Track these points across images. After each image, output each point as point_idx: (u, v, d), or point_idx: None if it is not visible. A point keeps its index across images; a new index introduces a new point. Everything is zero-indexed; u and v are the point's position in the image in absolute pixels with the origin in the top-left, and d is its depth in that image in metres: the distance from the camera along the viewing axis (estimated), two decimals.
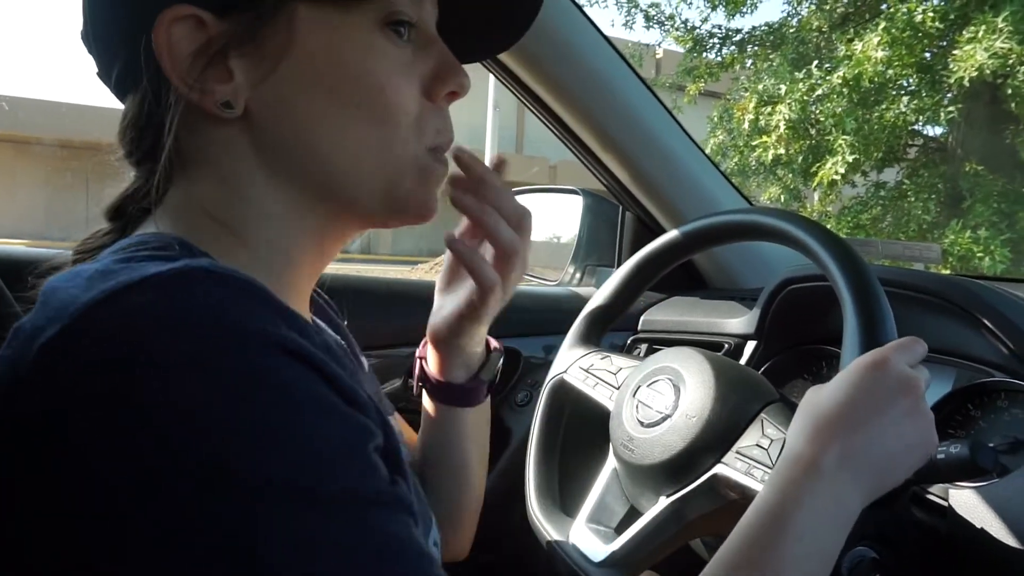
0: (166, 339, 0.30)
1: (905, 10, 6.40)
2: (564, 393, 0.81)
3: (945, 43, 6.70)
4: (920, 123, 7.40)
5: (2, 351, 0.33)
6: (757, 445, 0.59)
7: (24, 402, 0.30)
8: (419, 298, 0.74)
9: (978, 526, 0.57)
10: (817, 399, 0.51)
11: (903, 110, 6.90)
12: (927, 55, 6.77)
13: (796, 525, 0.44)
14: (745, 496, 0.59)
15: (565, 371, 0.81)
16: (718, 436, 0.62)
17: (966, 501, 0.59)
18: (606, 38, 1.00)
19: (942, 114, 6.82)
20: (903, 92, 7.10)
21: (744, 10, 8.05)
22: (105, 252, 0.39)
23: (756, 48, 8.46)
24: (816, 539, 0.45)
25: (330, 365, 0.33)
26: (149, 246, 0.38)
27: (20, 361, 0.31)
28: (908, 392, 0.49)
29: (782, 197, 8.05)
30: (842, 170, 6.79)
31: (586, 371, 0.79)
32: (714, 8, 8.13)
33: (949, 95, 6.84)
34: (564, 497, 0.78)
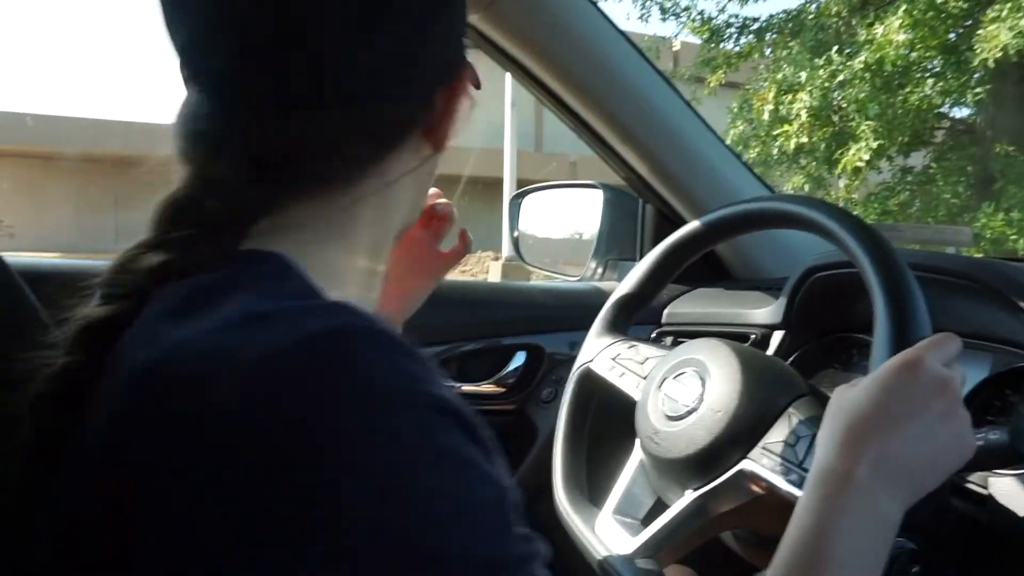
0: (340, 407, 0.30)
1: None
2: (591, 382, 0.80)
3: (970, 23, 6.56)
4: (947, 105, 7.26)
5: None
6: (784, 442, 0.58)
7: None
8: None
9: (1020, 514, 0.56)
10: (847, 404, 0.49)
11: (928, 93, 6.77)
12: (951, 36, 6.63)
13: (837, 550, 0.43)
14: (772, 492, 0.58)
15: (592, 360, 0.80)
16: (744, 431, 0.61)
17: (1007, 489, 0.57)
18: (621, 32, 1.00)
19: (969, 95, 6.68)
20: (928, 74, 6.96)
21: None
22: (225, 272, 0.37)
23: (775, 36, 8.35)
24: (859, 558, 0.44)
25: (475, 419, 0.34)
26: (287, 282, 0.37)
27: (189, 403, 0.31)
28: (943, 393, 0.47)
29: (806, 186, 7.94)
30: (866, 156, 6.68)
31: (613, 360, 0.78)
32: None
33: (976, 76, 6.69)
34: (592, 486, 0.78)
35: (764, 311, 0.94)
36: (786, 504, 0.57)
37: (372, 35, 0.39)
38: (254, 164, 0.38)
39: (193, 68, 0.40)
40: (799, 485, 0.55)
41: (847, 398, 0.49)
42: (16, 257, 0.77)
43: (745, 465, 0.60)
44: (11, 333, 0.56)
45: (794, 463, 0.56)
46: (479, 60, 0.65)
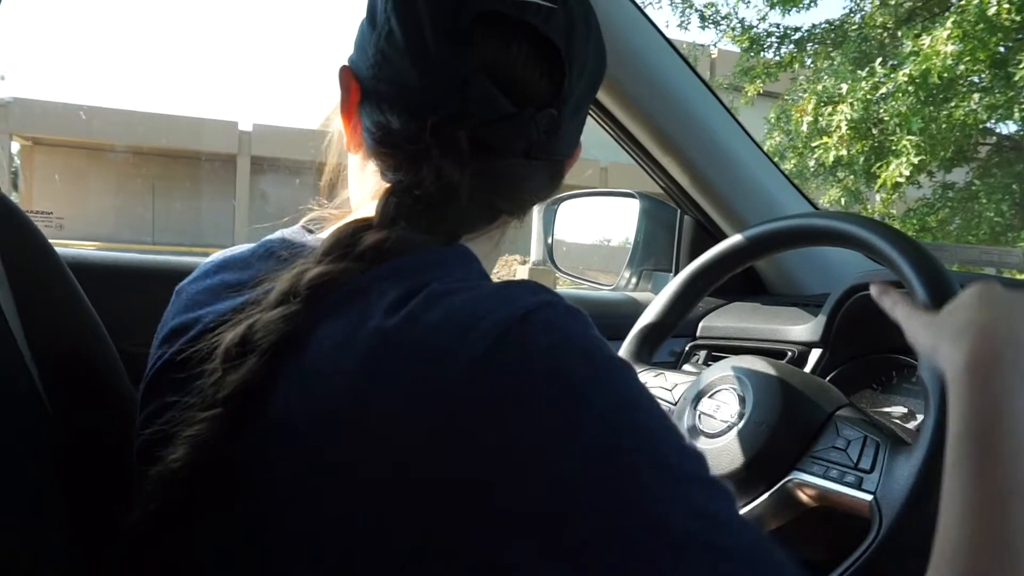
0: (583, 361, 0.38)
1: (978, 2, 6.11)
2: None
3: (1021, 36, 6.38)
4: (992, 121, 7.07)
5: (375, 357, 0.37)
6: (834, 447, 0.57)
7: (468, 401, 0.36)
8: None
9: None
10: (941, 329, 0.48)
11: (974, 107, 6.60)
12: (1001, 49, 6.45)
13: (1006, 436, 0.41)
14: (825, 501, 0.57)
15: None
16: (790, 442, 0.60)
17: None
18: (665, 37, 0.99)
19: (1016, 111, 6.49)
20: (974, 88, 6.79)
21: (803, 7, 7.83)
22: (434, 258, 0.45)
23: (816, 47, 8.23)
24: None
25: None
26: (474, 265, 0.47)
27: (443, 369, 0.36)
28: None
29: (842, 199, 7.80)
30: (907, 172, 6.53)
31: None
32: (772, 6, 7.94)
33: None
34: None
35: (802, 328, 0.92)
36: (838, 513, 0.56)
37: (581, 111, 0.52)
38: (491, 190, 0.48)
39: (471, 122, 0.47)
40: (857, 486, 0.54)
41: (937, 326, 0.49)
42: (65, 248, 0.79)
43: (793, 476, 0.59)
44: (62, 323, 0.58)
45: (849, 465, 0.56)
46: None
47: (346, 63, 0.51)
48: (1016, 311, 0.46)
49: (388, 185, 0.47)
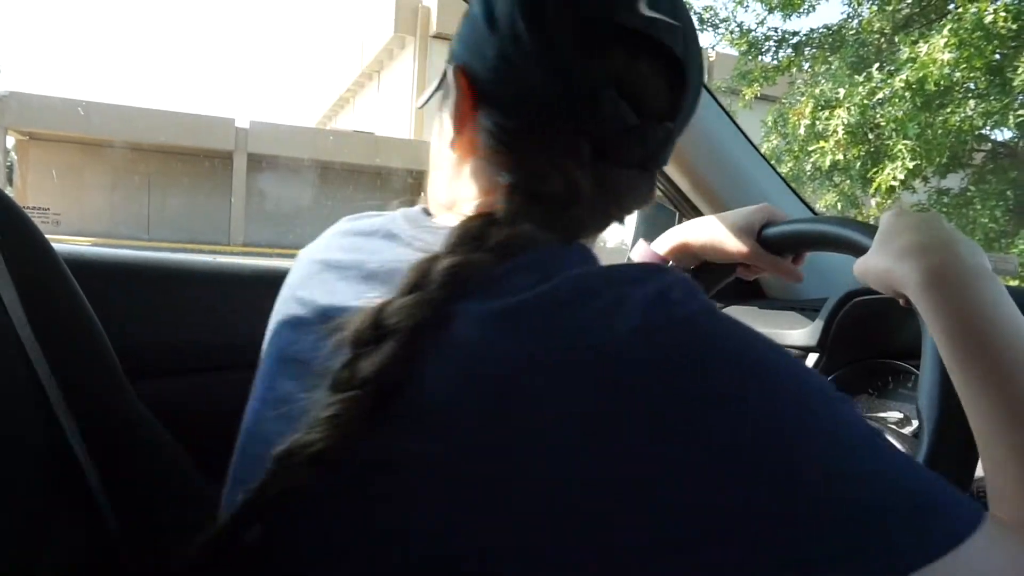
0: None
1: (975, 10, 6.14)
2: None
3: (1016, 44, 6.41)
4: (988, 127, 7.10)
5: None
6: None
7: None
8: None
9: None
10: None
11: (969, 113, 6.62)
12: (997, 56, 6.48)
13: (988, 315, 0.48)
14: None
15: None
16: None
17: None
18: None
19: (1011, 118, 6.52)
20: (970, 95, 6.82)
21: (801, 11, 7.86)
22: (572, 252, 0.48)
23: (814, 51, 8.26)
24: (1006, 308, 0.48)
25: None
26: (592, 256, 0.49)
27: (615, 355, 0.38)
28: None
29: (838, 204, 7.82)
30: (901, 176, 6.56)
31: None
32: (771, 10, 7.96)
33: (1020, 98, 6.54)
34: None
35: (799, 332, 0.92)
36: None
37: (686, 125, 0.54)
38: (607, 197, 0.51)
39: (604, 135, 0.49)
40: None
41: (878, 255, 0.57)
42: (61, 245, 0.79)
43: None
44: (60, 320, 0.58)
45: None
46: None
47: (457, 63, 0.51)
48: (934, 222, 0.54)
49: (506, 184, 0.48)
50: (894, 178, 6.59)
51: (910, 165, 6.54)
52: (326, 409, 0.40)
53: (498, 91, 0.48)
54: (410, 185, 15.53)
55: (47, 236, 0.64)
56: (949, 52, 6.17)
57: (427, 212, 0.53)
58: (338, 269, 0.51)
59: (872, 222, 0.64)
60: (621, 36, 0.47)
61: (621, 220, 0.54)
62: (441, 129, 0.54)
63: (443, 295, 0.41)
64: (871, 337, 0.87)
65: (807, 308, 0.98)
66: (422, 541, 0.38)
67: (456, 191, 0.52)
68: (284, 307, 0.54)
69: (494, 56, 0.48)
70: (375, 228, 0.53)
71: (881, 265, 0.55)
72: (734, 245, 0.76)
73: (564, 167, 0.47)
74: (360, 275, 0.49)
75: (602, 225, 0.53)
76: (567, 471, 0.36)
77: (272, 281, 1.14)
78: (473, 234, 0.45)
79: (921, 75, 6.29)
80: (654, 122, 0.49)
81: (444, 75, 0.53)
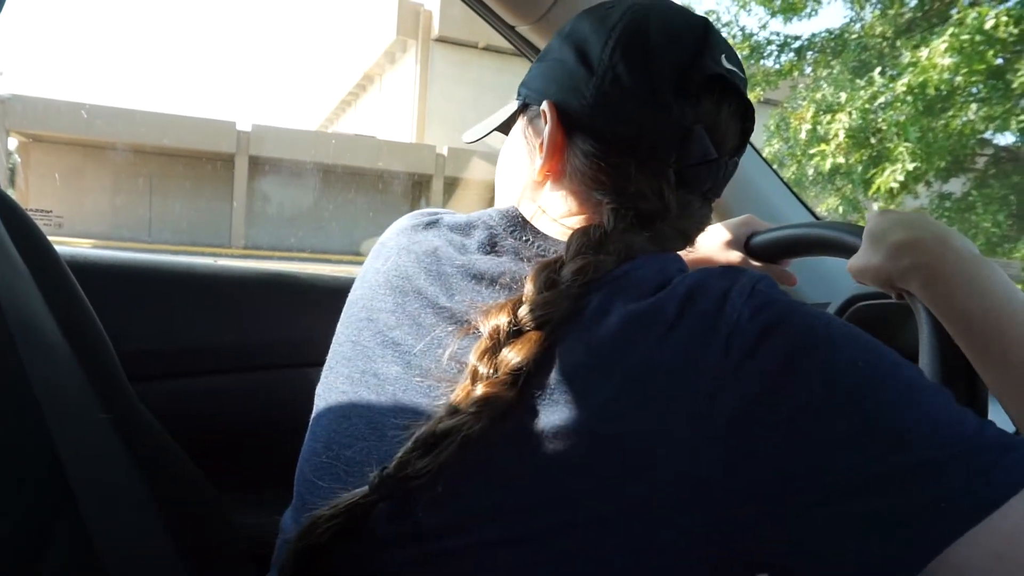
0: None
1: (975, 14, 6.14)
2: None
3: (1019, 48, 6.41)
4: (990, 132, 7.09)
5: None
6: None
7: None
8: None
9: None
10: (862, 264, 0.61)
11: (971, 118, 6.62)
12: (999, 61, 6.48)
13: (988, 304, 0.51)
14: None
15: None
16: None
17: None
18: None
19: (1013, 122, 6.52)
20: (972, 99, 6.82)
21: (803, 16, 7.86)
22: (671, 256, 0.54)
23: (816, 55, 8.26)
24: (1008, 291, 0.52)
25: None
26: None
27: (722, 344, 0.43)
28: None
29: (840, 208, 7.81)
30: (901, 178, 6.55)
31: None
32: (773, 14, 7.96)
33: (1022, 103, 6.53)
34: None
35: None
36: None
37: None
38: (684, 219, 0.58)
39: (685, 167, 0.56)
40: None
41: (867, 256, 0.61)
42: (64, 248, 0.79)
43: None
44: (63, 323, 0.57)
45: None
46: (524, 68, 0.65)
47: (549, 99, 0.57)
48: (922, 219, 0.58)
49: (608, 201, 0.55)
50: (893, 180, 6.58)
51: (909, 167, 6.54)
52: (473, 395, 0.45)
53: (596, 122, 0.55)
54: (411, 189, 15.54)
55: (50, 238, 0.64)
56: (949, 56, 6.17)
57: (524, 217, 0.58)
58: (442, 260, 0.56)
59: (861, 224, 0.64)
60: (710, 83, 0.54)
61: (692, 243, 0.61)
62: (519, 155, 0.62)
63: (578, 291, 0.47)
64: None
65: None
66: (548, 511, 0.43)
67: (547, 206, 0.58)
68: (376, 293, 0.58)
69: (592, 95, 0.54)
70: (470, 223, 0.59)
71: (876, 262, 0.59)
72: (724, 258, 0.81)
73: (658, 189, 0.54)
74: (470, 270, 0.54)
75: (681, 244, 0.59)
76: (695, 456, 0.41)
77: (273, 285, 1.14)
78: (595, 240, 0.51)
79: (922, 79, 6.29)
80: (727, 157, 0.57)
81: (519, 111, 0.62)
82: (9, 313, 0.50)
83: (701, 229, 0.61)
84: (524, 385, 0.45)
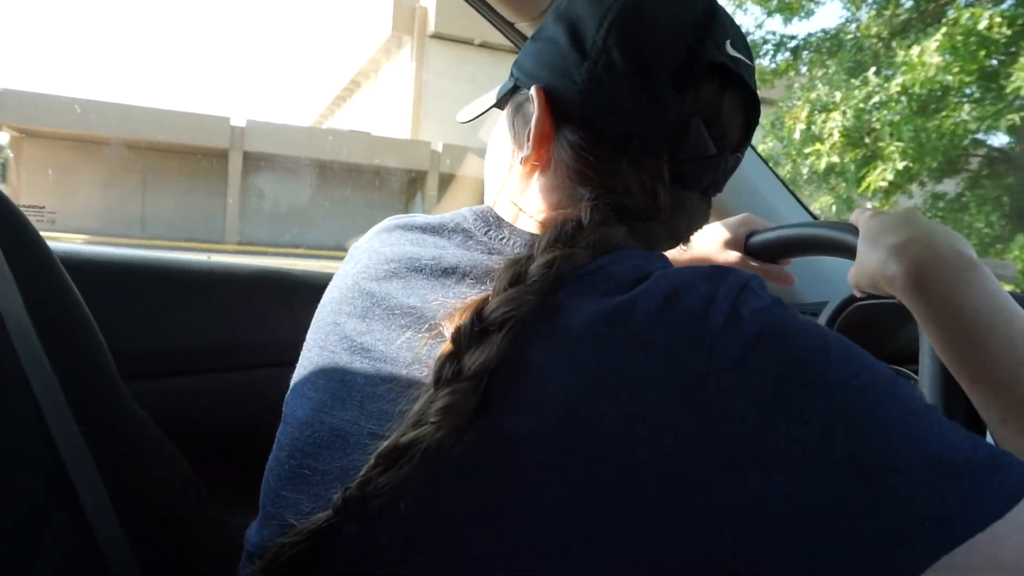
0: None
1: (969, 15, 6.16)
2: None
3: (1014, 49, 6.43)
4: (982, 132, 7.12)
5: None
6: None
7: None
8: None
9: None
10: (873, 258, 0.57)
11: (964, 118, 6.65)
12: (992, 62, 6.50)
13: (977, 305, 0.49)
14: None
15: None
16: None
17: None
18: None
19: (1003, 122, 6.55)
20: (965, 100, 6.84)
21: (799, 16, 7.87)
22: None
23: (812, 55, 8.27)
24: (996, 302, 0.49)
25: None
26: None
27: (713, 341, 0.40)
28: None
29: (834, 207, 7.83)
30: (890, 176, 6.58)
31: None
32: (769, 14, 7.97)
33: (1016, 103, 6.56)
34: None
35: None
36: None
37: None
38: (677, 217, 0.55)
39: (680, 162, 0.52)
40: None
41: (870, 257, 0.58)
42: (57, 244, 0.78)
43: None
44: (57, 320, 0.57)
45: None
46: None
47: (536, 83, 0.53)
48: (910, 218, 0.56)
49: (590, 196, 0.51)
50: (882, 179, 6.60)
51: (900, 166, 6.56)
52: (435, 403, 0.42)
53: (586, 112, 0.51)
54: (407, 185, 15.51)
55: (42, 234, 0.63)
56: (940, 56, 6.18)
57: (498, 216, 0.54)
58: (410, 261, 0.53)
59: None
60: (711, 72, 0.50)
61: (687, 241, 0.58)
62: (505, 143, 0.57)
63: (545, 286, 0.44)
64: (871, 341, 0.86)
65: (807, 312, 0.97)
66: (520, 523, 0.40)
67: (528, 200, 0.54)
68: (345, 296, 0.55)
69: (583, 80, 0.50)
70: (442, 224, 0.55)
71: (869, 268, 0.57)
72: (722, 258, 0.79)
73: (648, 185, 0.50)
74: (438, 269, 0.51)
75: (671, 243, 0.56)
76: (671, 452, 0.39)
77: (267, 282, 1.13)
78: (567, 234, 0.47)
79: (914, 78, 6.32)
80: (727, 152, 0.53)
81: (508, 93, 0.57)
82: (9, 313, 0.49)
83: (697, 227, 0.58)
84: (488, 389, 0.42)
